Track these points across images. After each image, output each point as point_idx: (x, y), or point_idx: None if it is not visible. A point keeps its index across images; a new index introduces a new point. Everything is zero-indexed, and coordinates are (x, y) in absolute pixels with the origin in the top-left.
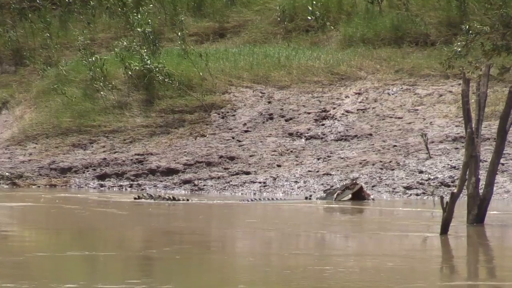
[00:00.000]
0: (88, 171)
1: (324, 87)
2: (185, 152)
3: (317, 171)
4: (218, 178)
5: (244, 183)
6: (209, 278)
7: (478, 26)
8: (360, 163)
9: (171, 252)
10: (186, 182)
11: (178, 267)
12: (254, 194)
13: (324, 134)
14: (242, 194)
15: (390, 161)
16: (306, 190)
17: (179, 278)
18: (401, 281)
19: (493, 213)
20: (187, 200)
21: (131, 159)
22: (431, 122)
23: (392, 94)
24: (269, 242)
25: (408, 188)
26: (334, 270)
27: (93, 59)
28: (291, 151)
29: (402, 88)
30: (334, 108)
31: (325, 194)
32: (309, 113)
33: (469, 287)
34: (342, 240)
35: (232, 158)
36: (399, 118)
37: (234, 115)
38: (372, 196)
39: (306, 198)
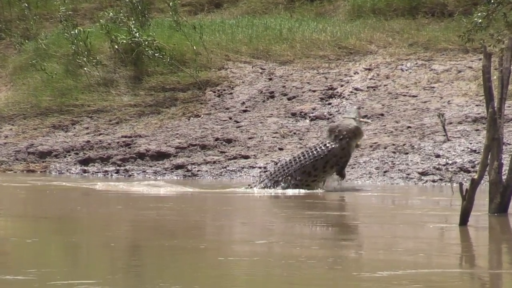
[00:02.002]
0: (69, 155)
1: (331, 62)
2: (177, 134)
3: None
4: (214, 162)
5: (243, 168)
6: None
7: None
8: (371, 146)
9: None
10: (178, 167)
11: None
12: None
13: (330, 114)
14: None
15: (404, 144)
16: None
17: None
18: (416, 280)
19: None
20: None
21: (118, 142)
22: (449, 101)
23: (406, 70)
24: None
25: (423, 173)
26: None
27: (76, 31)
28: (295, 133)
29: (416, 64)
30: (341, 86)
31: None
32: (314, 91)
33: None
34: (348, 233)
35: (229, 141)
36: (413, 96)
37: (231, 93)
38: None
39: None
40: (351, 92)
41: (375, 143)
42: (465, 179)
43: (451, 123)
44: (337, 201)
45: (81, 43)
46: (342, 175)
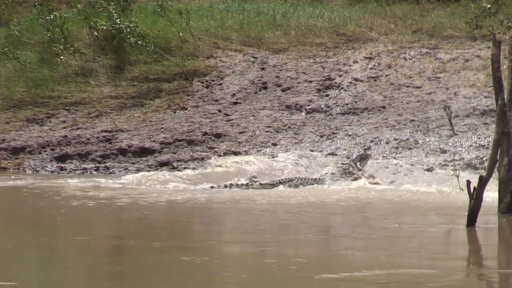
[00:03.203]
0: (45, 151)
1: (328, 50)
2: (162, 128)
3: (320, 151)
4: (202, 159)
5: (233, 164)
6: None
7: None
8: (372, 141)
9: None
10: (163, 164)
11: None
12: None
13: (328, 107)
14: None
15: (407, 139)
16: (308, 173)
17: None
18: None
19: None
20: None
21: (97, 137)
22: (455, 93)
23: (409, 59)
24: None
25: (428, 170)
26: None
27: (52, 17)
28: (289, 127)
29: (421, 52)
30: (340, 76)
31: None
32: (310, 81)
33: None
34: (344, 238)
35: (218, 136)
36: (417, 87)
37: (220, 84)
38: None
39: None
40: (350, 82)
41: (376, 137)
42: (473, 176)
43: (457, 116)
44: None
45: (57, 29)
46: None
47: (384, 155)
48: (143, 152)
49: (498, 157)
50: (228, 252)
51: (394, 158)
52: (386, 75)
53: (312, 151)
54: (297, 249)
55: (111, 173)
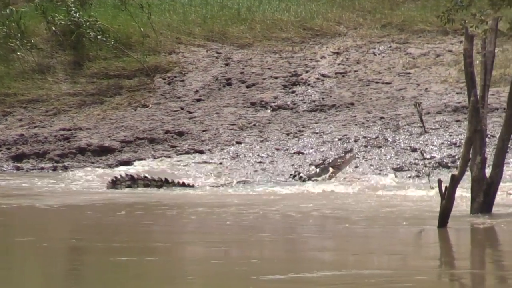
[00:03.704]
0: (1, 150)
1: (295, 45)
2: (122, 126)
3: (286, 149)
4: (164, 158)
5: (196, 163)
6: None
7: None
8: (340, 139)
9: None
10: (123, 163)
11: None
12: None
13: (294, 104)
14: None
15: (376, 137)
16: (273, 172)
17: None
18: None
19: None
20: (183, 184)
21: (55, 136)
22: (426, 89)
23: (379, 54)
24: None
25: (398, 169)
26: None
27: (8, 11)
28: (254, 125)
29: (390, 47)
30: (307, 72)
31: (318, 170)
32: (276, 77)
33: None
34: (312, 238)
35: (181, 134)
36: (387, 83)
37: (183, 81)
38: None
39: (293, 176)
40: (318, 78)
41: (344, 135)
42: (445, 176)
43: (428, 113)
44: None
45: (13, 24)
46: None
47: (355, 154)
48: (103, 151)
49: (470, 156)
50: (177, 252)
51: (363, 157)
52: (355, 71)
53: (277, 149)
54: (252, 250)
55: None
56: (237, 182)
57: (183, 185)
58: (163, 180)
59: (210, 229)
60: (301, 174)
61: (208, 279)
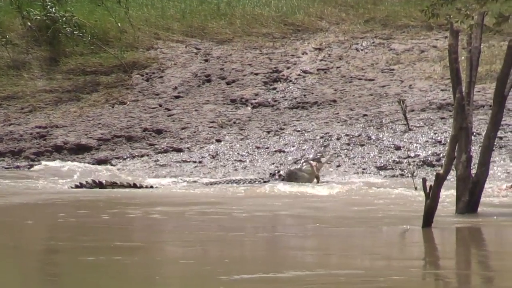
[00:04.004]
0: None
1: (276, 41)
2: (99, 124)
3: (267, 147)
4: (142, 156)
5: (175, 162)
6: None
7: None
8: (322, 137)
9: None
10: (101, 161)
11: None
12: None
13: (275, 101)
14: (173, 176)
15: (359, 135)
16: (253, 171)
17: None
18: None
19: (488, 200)
20: (151, 187)
21: (31, 133)
22: (410, 85)
23: (361, 50)
24: None
25: (381, 168)
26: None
27: None
28: (234, 122)
29: (373, 43)
30: (288, 68)
31: (299, 166)
32: (256, 74)
33: None
34: (293, 238)
35: (159, 132)
36: (370, 80)
37: (161, 77)
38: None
39: (272, 175)
40: (299, 75)
41: (326, 133)
42: (429, 174)
43: (413, 110)
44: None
45: None
46: None
47: (335, 152)
48: (80, 149)
49: (456, 154)
50: (143, 253)
51: (346, 155)
52: (337, 67)
53: (258, 147)
54: (224, 249)
55: None
56: (211, 183)
57: (151, 188)
58: (132, 184)
59: (172, 229)
60: (281, 172)
61: (175, 280)
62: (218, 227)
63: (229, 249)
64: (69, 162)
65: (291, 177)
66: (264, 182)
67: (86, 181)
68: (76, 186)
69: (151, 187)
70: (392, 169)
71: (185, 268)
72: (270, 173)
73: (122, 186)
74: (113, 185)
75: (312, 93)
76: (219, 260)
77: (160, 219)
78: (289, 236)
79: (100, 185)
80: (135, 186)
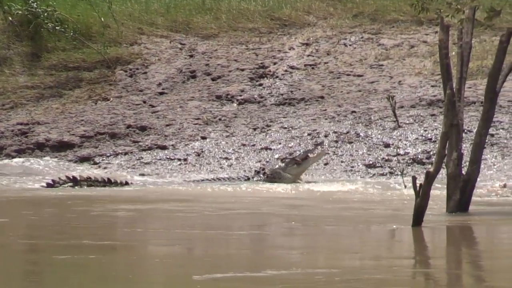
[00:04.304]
0: None
1: (262, 36)
2: (82, 121)
3: (253, 145)
4: (126, 154)
5: (159, 160)
6: None
7: None
8: (309, 134)
9: None
10: (84, 159)
11: None
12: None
13: (262, 97)
14: (158, 174)
15: (348, 132)
16: (239, 168)
17: None
18: None
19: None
20: (126, 183)
21: (12, 130)
22: (400, 81)
23: (350, 45)
24: None
25: (370, 166)
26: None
27: None
28: (220, 119)
29: (362, 38)
30: (274, 64)
31: (283, 164)
32: (242, 70)
33: None
34: (279, 238)
35: (143, 128)
36: (358, 76)
37: (145, 73)
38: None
39: (257, 173)
40: (286, 71)
41: (313, 130)
42: (420, 172)
43: (402, 107)
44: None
45: None
46: None
47: (322, 149)
48: (62, 146)
49: (446, 152)
50: (117, 252)
51: (334, 152)
52: (325, 63)
53: (244, 145)
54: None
55: None
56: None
57: (126, 184)
58: (106, 180)
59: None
60: (266, 170)
61: (148, 278)
62: (185, 226)
63: (202, 247)
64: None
65: (275, 177)
66: (246, 180)
67: (60, 178)
68: (48, 185)
69: (126, 183)
70: (381, 167)
71: (156, 267)
72: (255, 171)
73: (97, 181)
74: (88, 180)
75: (299, 89)
76: (194, 259)
77: (127, 217)
78: (267, 235)
79: (74, 180)
80: (109, 182)
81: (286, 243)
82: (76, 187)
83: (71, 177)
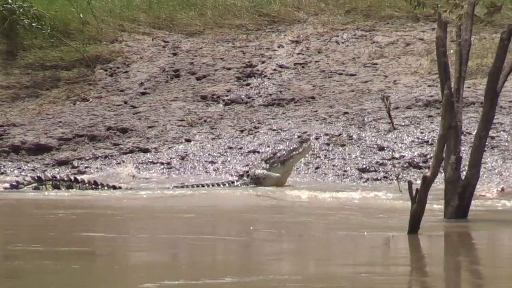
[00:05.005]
0: None
1: (250, 33)
2: (60, 122)
3: (241, 148)
4: (106, 157)
5: (141, 163)
6: None
7: None
8: (299, 137)
9: None
10: (62, 163)
11: None
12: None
13: (249, 98)
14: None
15: (340, 134)
16: (226, 172)
17: None
18: None
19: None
20: (114, 187)
21: None
22: (395, 81)
23: (342, 42)
24: None
25: (364, 170)
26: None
27: None
28: (205, 121)
29: (355, 35)
30: (263, 62)
31: (267, 164)
32: (229, 69)
33: None
34: (264, 244)
35: (124, 130)
36: (351, 75)
37: (126, 72)
38: None
39: (241, 176)
40: (275, 70)
41: (304, 132)
42: (416, 177)
43: (397, 108)
44: None
45: None
46: None
47: (313, 152)
48: (39, 149)
49: (444, 155)
50: (89, 256)
51: (325, 156)
52: (316, 62)
53: (230, 148)
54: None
55: (1, 173)
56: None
57: (95, 184)
58: (73, 179)
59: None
60: (249, 173)
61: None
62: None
63: (159, 254)
64: None
65: (256, 181)
66: (230, 184)
67: (24, 179)
68: (12, 186)
69: (94, 182)
70: (375, 171)
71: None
72: (240, 174)
73: (63, 181)
74: (53, 180)
75: (289, 89)
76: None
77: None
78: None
79: (39, 180)
80: (76, 180)
81: (299, 250)
82: (41, 187)
83: (36, 178)
